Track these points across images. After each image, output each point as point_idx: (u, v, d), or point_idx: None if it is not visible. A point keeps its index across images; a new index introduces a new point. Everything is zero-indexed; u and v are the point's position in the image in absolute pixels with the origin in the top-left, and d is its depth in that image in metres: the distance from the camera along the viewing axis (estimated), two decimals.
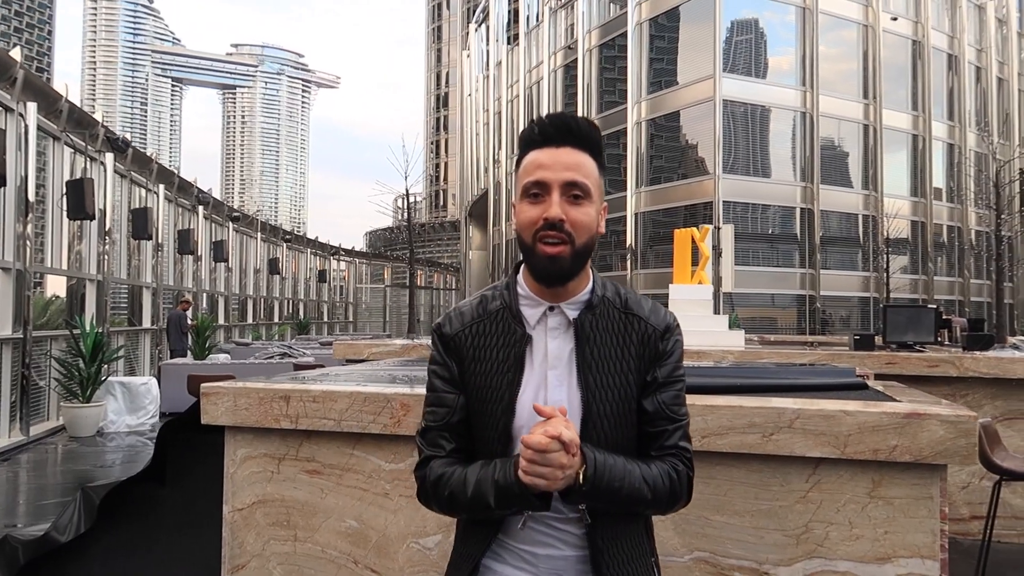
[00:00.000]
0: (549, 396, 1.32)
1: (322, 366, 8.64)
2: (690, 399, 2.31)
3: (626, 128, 28.54)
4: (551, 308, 1.36)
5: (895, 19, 29.05)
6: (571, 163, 1.31)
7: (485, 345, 1.38)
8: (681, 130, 28.02)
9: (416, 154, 29.45)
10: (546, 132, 1.33)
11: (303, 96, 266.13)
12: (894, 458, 2.06)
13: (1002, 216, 26.10)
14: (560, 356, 1.34)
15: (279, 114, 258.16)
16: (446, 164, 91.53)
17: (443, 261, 64.69)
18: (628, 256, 28.17)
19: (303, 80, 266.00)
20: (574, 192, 1.31)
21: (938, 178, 30.39)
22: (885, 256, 26.74)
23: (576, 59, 31.73)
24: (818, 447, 2.12)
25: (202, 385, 2.51)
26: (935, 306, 6.75)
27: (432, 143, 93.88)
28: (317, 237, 32.10)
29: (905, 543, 2.08)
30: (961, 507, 4.83)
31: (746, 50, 27.53)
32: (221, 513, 2.56)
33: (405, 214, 36.48)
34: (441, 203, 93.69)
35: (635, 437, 1.34)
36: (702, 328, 8.49)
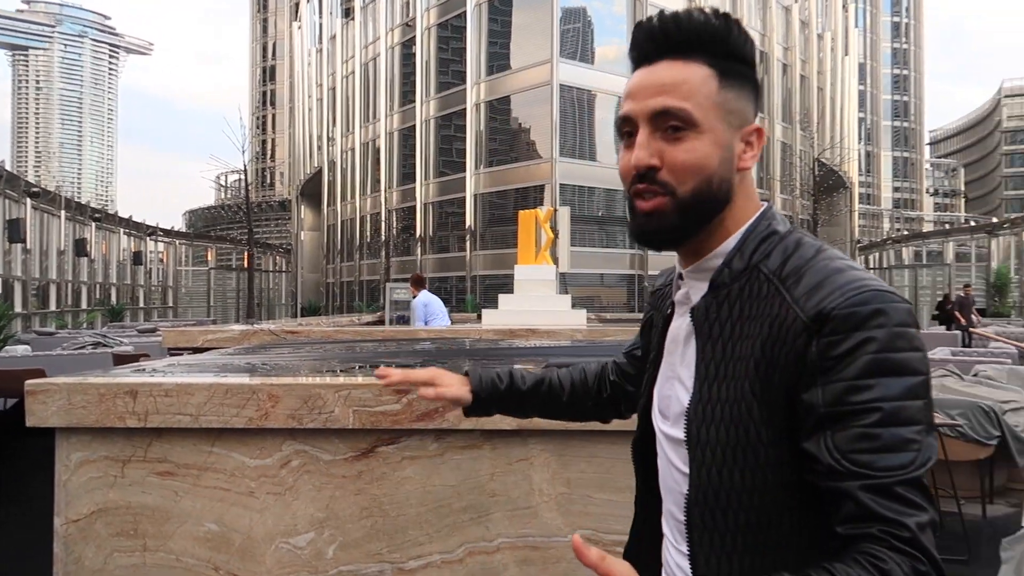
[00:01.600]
0: (664, 391, 1.03)
1: (147, 356, 7.94)
2: None
3: (465, 110, 28.58)
4: (680, 276, 1.05)
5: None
6: (662, 83, 0.94)
7: (658, 312, 1.14)
8: (519, 113, 28.46)
9: (244, 134, 27.89)
10: (638, 44, 0.99)
11: (110, 62, 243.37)
12: None
13: (800, 202, 28.92)
14: (676, 340, 1.02)
15: (82, 80, 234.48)
16: (274, 141, 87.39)
17: (272, 242, 61.93)
18: (467, 237, 28.33)
19: (110, 44, 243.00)
20: (670, 123, 0.93)
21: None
22: None
23: (414, 37, 31.28)
24: None
25: (27, 382, 2.17)
26: None
27: (258, 118, 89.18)
28: (131, 216, 29.59)
29: None
30: None
31: (574, 38, 28.36)
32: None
33: (229, 192, 34.45)
34: (268, 181, 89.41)
35: (770, 493, 0.88)
36: (548, 308, 8.69)
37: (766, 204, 1.00)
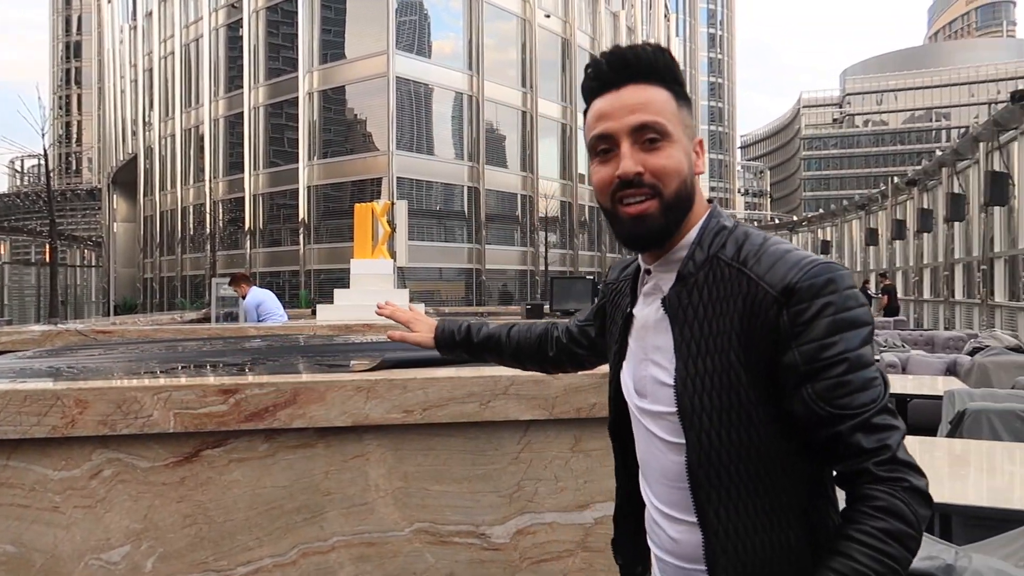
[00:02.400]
0: (639, 373, 1.17)
1: None
2: (410, 373, 2.30)
3: (297, 98, 27.54)
4: (648, 271, 1.19)
5: (548, 16, 31.98)
6: (637, 102, 1.10)
7: (614, 304, 1.30)
8: (354, 104, 27.85)
9: (44, 114, 25.19)
10: (601, 74, 1.13)
11: None
12: (593, 414, 2.27)
13: None
14: (647, 326, 1.15)
15: None
16: (80, 123, 79.92)
17: (79, 234, 56.63)
18: (301, 230, 27.37)
19: None
20: (648, 136, 1.10)
21: (582, 164, 34.36)
22: (540, 233, 29.65)
23: (241, 19, 29.70)
24: (530, 410, 2.25)
25: None
26: (592, 277, 7.65)
27: (61, 98, 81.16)
28: None
29: (601, 489, 2.30)
30: None
31: (410, 29, 28.17)
32: None
33: (27, 179, 31.11)
34: (75, 168, 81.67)
35: (765, 445, 1.03)
36: (384, 302, 8.59)
37: (713, 204, 1.18)
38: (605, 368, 2.28)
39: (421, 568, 2.23)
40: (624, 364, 1.21)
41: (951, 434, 4.88)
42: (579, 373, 2.27)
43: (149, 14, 36.66)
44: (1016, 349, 8.38)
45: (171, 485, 2.10)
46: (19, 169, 74.66)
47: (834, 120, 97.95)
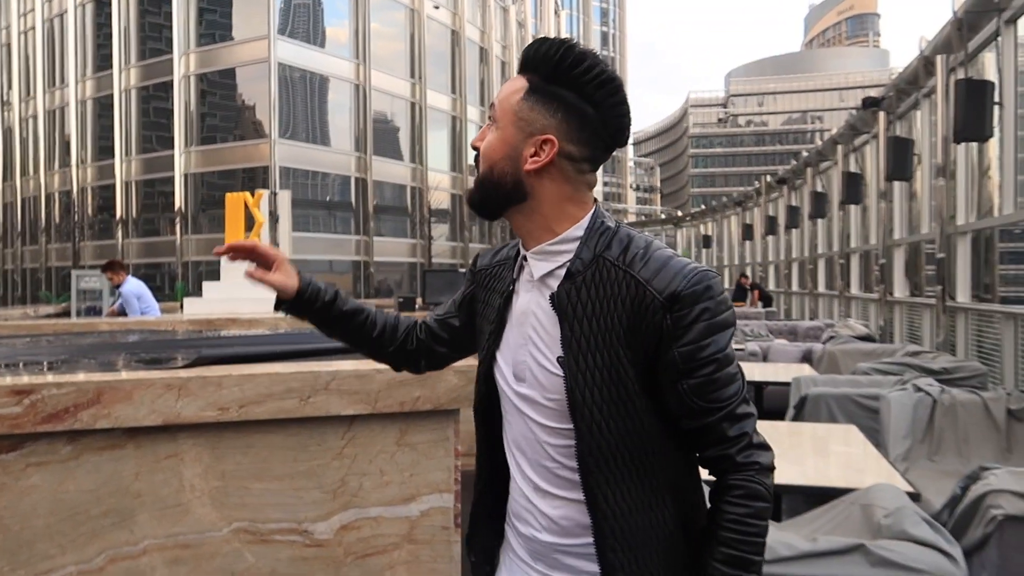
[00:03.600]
0: (518, 358, 1.20)
1: None
2: (226, 369, 2.24)
3: (172, 81, 26.21)
4: (524, 258, 1.23)
5: (437, 8, 31.77)
6: (502, 89, 1.19)
7: (488, 288, 1.32)
8: (237, 89, 26.79)
9: None
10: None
11: None
12: (418, 408, 2.29)
13: None
14: (527, 312, 1.20)
15: None
16: None
17: None
18: (177, 219, 26.11)
19: None
20: (491, 118, 1.20)
21: (472, 156, 34.40)
22: (428, 225, 29.49)
23: None
24: (352, 405, 2.24)
25: None
26: (463, 269, 7.70)
27: None
28: None
29: (427, 482, 2.33)
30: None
31: (305, 16, 27.38)
32: None
33: None
34: None
35: (646, 432, 1.13)
36: (256, 295, 8.33)
37: (596, 205, 1.20)
38: None
39: (241, 568, 2.19)
40: (500, 348, 1.24)
41: (795, 418, 5.21)
42: None
43: None
44: (865, 338, 9.02)
45: None
46: None
47: (719, 120, 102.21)
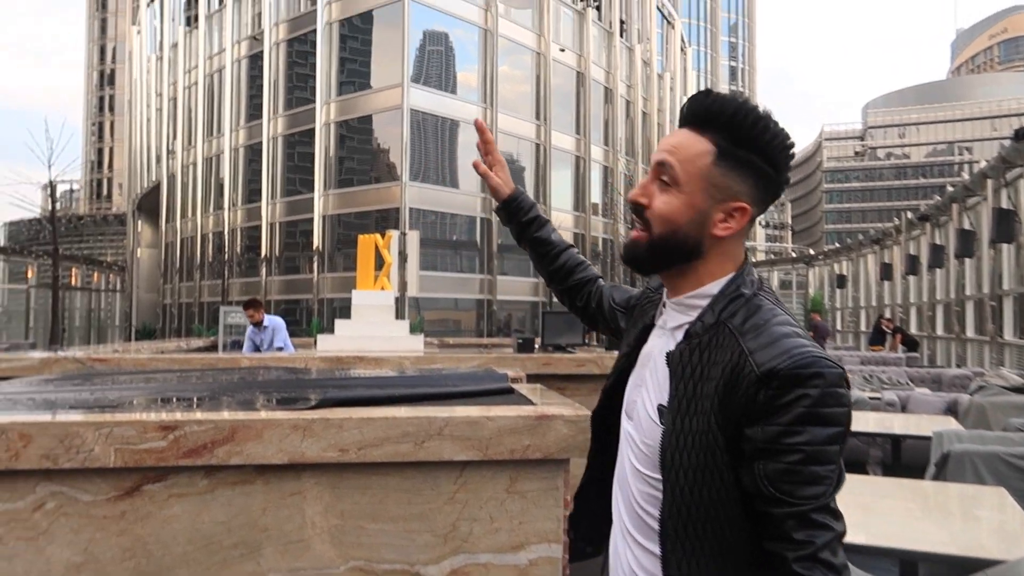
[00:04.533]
0: (633, 398, 1.25)
1: None
2: (348, 412, 2.36)
3: (315, 128, 28.01)
4: (663, 304, 1.27)
5: (563, 50, 32.35)
6: (672, 144, 1.17)
7: (641, 311, 1.37)
8: (373, 133, 28.25)
9: (64, 139, 25.85)
10: (682, 112, 1.23)
11: None
12: (527, 456, 2.31)
13: None
14: (651, 357, 1.23)
15: None
16: (111, 149, 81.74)
17: (105, 259, 57.62)
18: (315, 258, 27.66)
19: None
20: (662, 175, 1.18)
21: (595, 195, 34.47)
22: None
23: (262, 51, 30.37)
24: (464, 451, 2.29)
25: None
26: None
27: (95, 125, 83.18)
28: None
29: (536, 531, 2.34)
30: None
31: (437, 61, 28.62)
32: None
33: (60, 204, 31.79)
34: (105, 193, 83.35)
35: (731, 508, 1.08)
36: (384, 333, 8.69)
37: (740, 269, 1.19)
38: (541, 409, 2.34)
39: None
40: (626, 377, 1.29)
41: (936, 476, 4.84)
42: (513, 415, 2.32)
43: (175, 45, 37.59)
44: (1019, 389, 8.25)
45: (112, 519, 2.17)
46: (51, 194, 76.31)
47: (856, 153, 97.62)
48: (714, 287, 1.16)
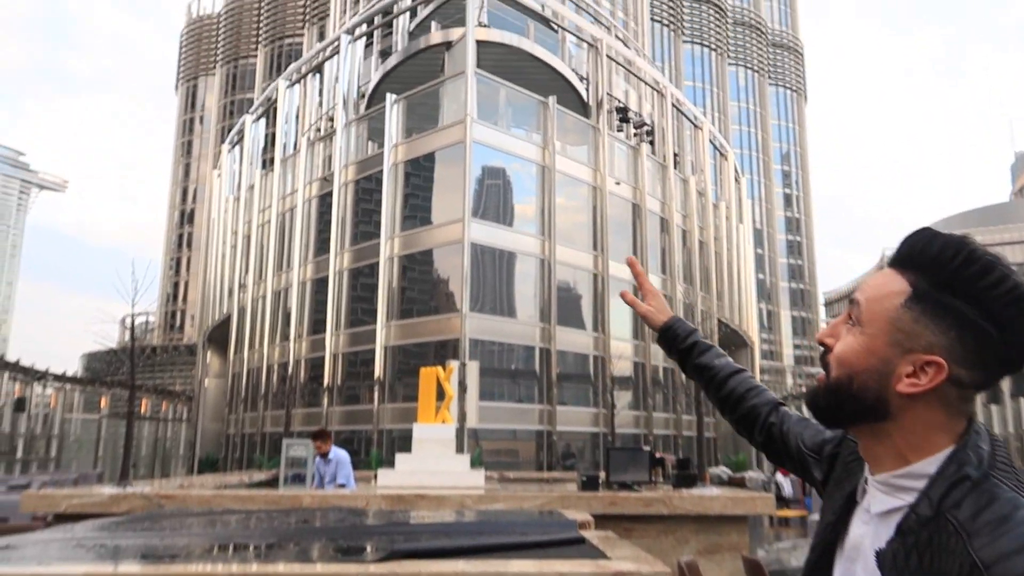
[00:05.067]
0: None
1: (5, 520, 7.32)
2: (416, 566, 2.29)
3: (379, 262, 29.01)
4: (865, 478, 1.06)
5: (618, 183, 33.28)
6: (867, 281, 1.04)
7: (845, 469, 1.14)
8: (433, 265, 29.09)
9: (149, 279, 27.35)
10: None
11: (20, 197, 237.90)
12: None
13: None
14: (857, 548, 1.01)
15: None
16: (186, 283, 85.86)
17: (175, 389, 59.25)
18: (376, 388, 27.91)
19: (21, 180, 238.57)
20: (850, 315, 1.03)
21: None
22: (611, 394, 29.27)
23: (331, 191, 32.09)
24: None
25: None
26: (649, 448, 7.50)
27: (172, 260, 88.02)
28: (19, 360, 28.01)
29: None
30: None
31: (496, 194, 29.71)
32: None
33: (131, 333, 33.14)
34: (178, 324, 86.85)
35: None
36: (445, 468, 8.57)
37: (967, 435, 0.97)
38: (616, 565, 2.23)
39: None
40: (833, 557, 1.07)
41: None
42: (588, 572, 2.22)
43: (251, 187, 40.10)
44: None
45: None
46: (127, 326, 79.89)
47: None
48: (928, 465, 0.94)
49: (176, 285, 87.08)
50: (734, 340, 42.49)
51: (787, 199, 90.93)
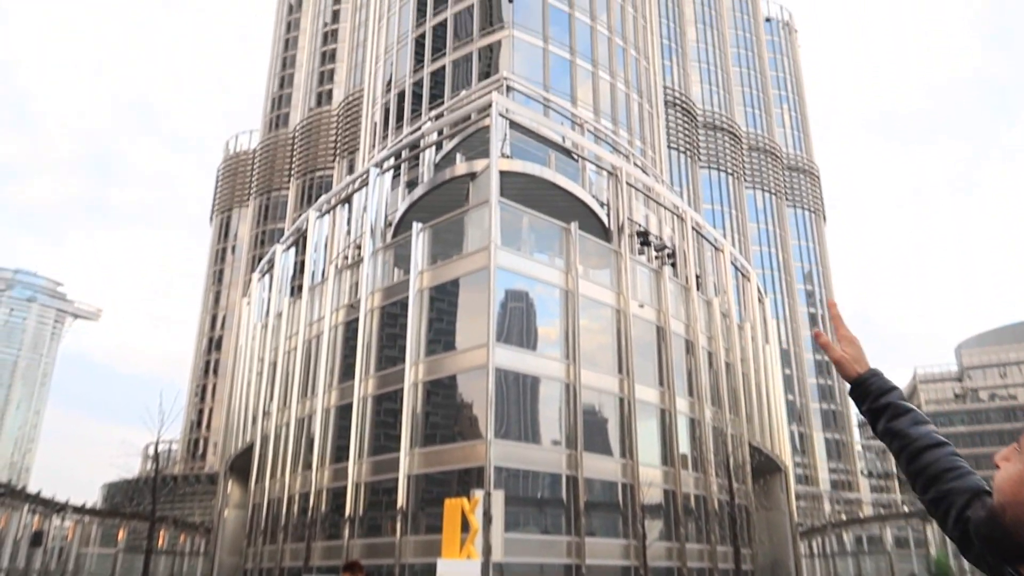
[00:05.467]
0: None
1: None
2: None
3: (403, 387, 28.86)
4: None
5: (642, 306, 33.38)
6: None
7: None
8: (457, 389, 28.84)
9: (176, 410, 27.46)
10: None
11: (55, 327, 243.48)
12: None
13: (736, 486, 28.88)
14: None
15: (21, 344, 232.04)
16: (211, 410, 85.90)
17: (193, 520, 58.03)
18: (398, 519, 27.07)
19: (57, 309, 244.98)
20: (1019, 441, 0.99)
21: (683, 447, 33.37)
22: (642, 523, 28.08)
23: (358, 317, 32.46)
24: None
25: None
26: None
27: (199, 386, 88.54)
28: (40, 491, 27.77)
29: None
30: None
31: (519, 317, 29.81)
32: None
33: (155, 464, 32.85)
34: (200, 452, 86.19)
35: None
36: None
37: None
38: None
39: None
40: None
41: None
42: None
43: (279, 314, 40.76)
44: None
45: None
46: (151, 454, 79.46)
47: (956, 396, 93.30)
48: None
49: (200, 412, 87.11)
50: (767, 466, 41.11)
51: (812, 318, 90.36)
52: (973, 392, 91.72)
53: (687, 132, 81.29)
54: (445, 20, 46.21)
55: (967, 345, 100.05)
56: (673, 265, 37.20)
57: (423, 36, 47.07)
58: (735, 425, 36.74)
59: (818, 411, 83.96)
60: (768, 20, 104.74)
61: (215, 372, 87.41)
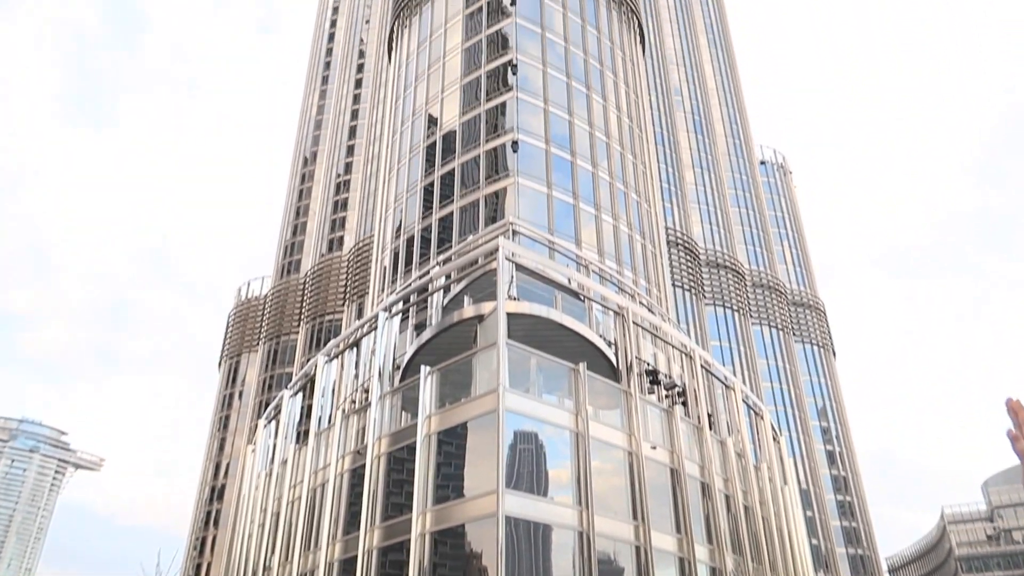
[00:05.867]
0: None
1: None
2: None
3: (410, 539, 27.70)
4: None
5: (654, 447, 32.58)
6: None
7: None
8: (466, 538, 27.66)
9: (172, 570, 26.27)
10: None
11: (55, 478, 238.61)
12: None
13: None
14: None
15: (19, 497, 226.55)
16: (210, 564, 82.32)
17: None
18: None
19: (59, 460, 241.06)
20: None
21: None
22: None
23: (364, 463, 31.69)
24: None
25: None
26: None
27: (197, 539, 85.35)
28: None
29: None
30: None
31: (530, 461, 29.02)
32: None
33: None
34: None
35: None
36: None
37: None
38: None
39: None
40: None
41: None
42: None
43: (284, 462, 39.87)
44: None
45: None
46: None
47: (988, 537, 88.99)
48: None
49: (199, 568, 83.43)
50: None
51: (830, 456, 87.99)
52: (1007, 533, 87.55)
53: (691, 270, 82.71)
54: (453, 170, 48.34)
55: (994, 482, 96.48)
56: (684, 404, 36.66)
57: (432, 185, 49.08)
58: (758, 574, 34.80)
59: (844, 556, 79.89)
60: (763, 163, 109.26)
61: (215, 524, 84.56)
